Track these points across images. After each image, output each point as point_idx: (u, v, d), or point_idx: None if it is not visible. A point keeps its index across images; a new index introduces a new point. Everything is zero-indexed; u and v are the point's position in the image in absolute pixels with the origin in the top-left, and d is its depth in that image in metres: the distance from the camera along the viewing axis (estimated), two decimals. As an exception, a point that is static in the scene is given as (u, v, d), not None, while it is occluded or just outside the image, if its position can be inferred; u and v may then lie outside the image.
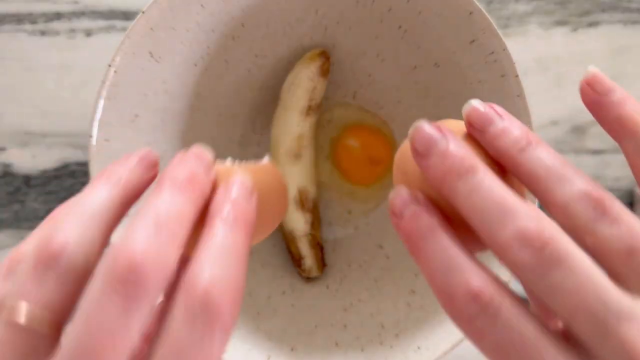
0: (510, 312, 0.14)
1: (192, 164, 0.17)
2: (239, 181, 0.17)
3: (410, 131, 0.17)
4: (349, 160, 0.40)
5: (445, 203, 0.16)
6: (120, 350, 0.13)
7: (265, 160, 0.22)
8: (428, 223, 0.16)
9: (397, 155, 0.19)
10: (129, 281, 0.13)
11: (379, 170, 0.40)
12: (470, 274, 0.14)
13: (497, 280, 0.15)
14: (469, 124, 0.17)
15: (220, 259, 0.15)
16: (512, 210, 0.14)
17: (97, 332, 0.13)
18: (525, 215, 0.14)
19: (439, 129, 0.17)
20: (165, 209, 0.15)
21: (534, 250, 0.14)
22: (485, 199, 0.15)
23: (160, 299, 0.15)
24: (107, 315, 0.13)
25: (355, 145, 0.40)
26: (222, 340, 0.14)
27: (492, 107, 0.17)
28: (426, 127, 0.17)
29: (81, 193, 0.17)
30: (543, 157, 0.16)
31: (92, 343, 0.13)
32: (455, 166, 0.16)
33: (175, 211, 0.15)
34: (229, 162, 0.20)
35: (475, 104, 0.18)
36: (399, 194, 0.17)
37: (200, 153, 0.18)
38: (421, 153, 0.16)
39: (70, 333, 0.13)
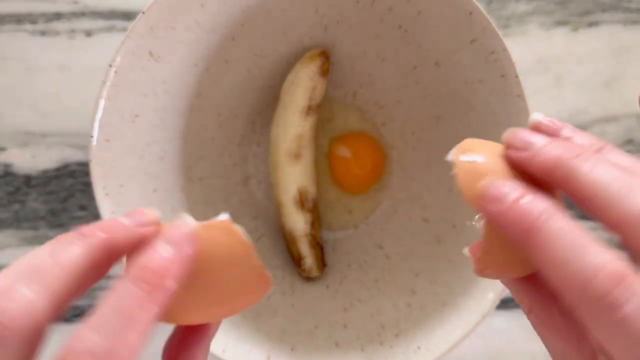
0: None
1: (119, 218, 0.17)
2: (174, 229, 0.17)
3: (505, 137, 0.17)
4: (341, 171, 0.40)
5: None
6: None
7: (223, 217, 0.18)
8: (544, 203, 0.15)
9: (462, 176, 0.17)
10: None
11: (372, 176, 0.40)
12: (610, 255, 0.13)
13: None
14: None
15: (166, 254, 0.16)
16: (637, 186, 0.14)
17: None
18: None
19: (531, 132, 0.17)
20: (52, 257, 0.15)
21: None
22: (608, 174, 0.14)
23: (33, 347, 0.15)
24: None
25: (346, 155, 0.40)
26: (159, 303, 0.15)
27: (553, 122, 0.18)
28: (522, 131, 0.17)
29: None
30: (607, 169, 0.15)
31: None
32: (568, 149, 0.15)
33: (61, 259, 0.15)
34: (189, 219, 0.17)
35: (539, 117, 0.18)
36: (497, 182, 0.16)
37: (140, 211, 0.18)
38: (523, 147, 0.16)
39: None
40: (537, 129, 0.17)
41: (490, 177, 0.16)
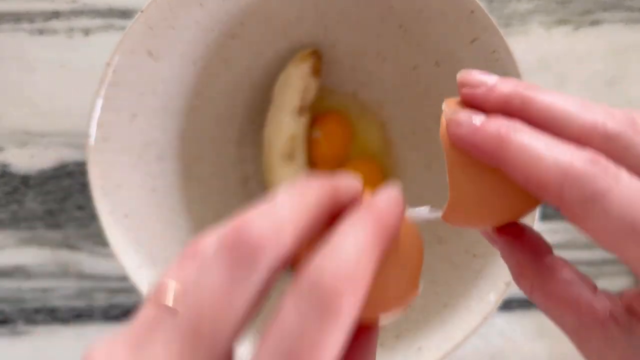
0: (629, 176, 0.13)
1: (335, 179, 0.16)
2: (387, 190, 0.16)
3: (458, 78, 0.17)
4: (314, 152, 0.40)
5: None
6: (223, 319, 0.13)
7: (422, 209, 0.18)
8: (510, 121, 0.15)
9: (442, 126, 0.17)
10: (240, 251, 0.13)
11: (343, 154, 0.40)
12: (580, 148, 0.14)
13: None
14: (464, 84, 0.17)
15: (350, 255, 0.13)
16: (591, 102, 0.15)
17: (203, 298, 0.13)
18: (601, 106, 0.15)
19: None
20: (289, 200, 0.14)
21: (629, 122, 0.14)
22: (564, 96, 0.15)
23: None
24: (212, 282, 0.13)
25: (317, 137, 0.40)
26: (337, 338, 0.12)
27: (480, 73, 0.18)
28: (473, 71, 0.17)
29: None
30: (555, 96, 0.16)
31: (197, 308, 0.13)
32: (522, 82, 0.16)
33: (298, 201, 0.14)
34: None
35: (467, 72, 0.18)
36: (461, 111, 0.16)
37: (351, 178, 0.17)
38: (477, 84, 0.17)
39: (182, 296, 0.13)
40: (464, 84, 0.17)
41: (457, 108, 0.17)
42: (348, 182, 0.17)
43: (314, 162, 0.40)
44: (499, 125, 0.15)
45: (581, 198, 0.13)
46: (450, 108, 0.17)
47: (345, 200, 0.16)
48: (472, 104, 0.17)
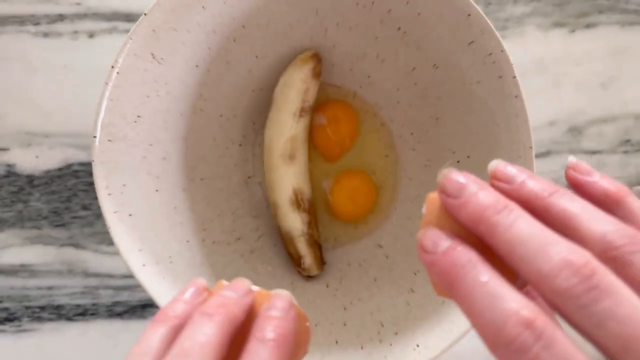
0: (564, 339, 0.14)
1: (224, 293, 0.19)
2: (278, 298, 0.19)
3: (439, 178, 0.18)
4: (318, 139, 0.40)
5: (475, 243, 0.16)
6: None
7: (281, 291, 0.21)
8: (467, 256, 0.16)
9: (426, 207, 0.19)
10: None
11: (348, 143, 0.40)
12: (520, 303, 0.14)
13: (545, 310, 0.15)
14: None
15: None
16: (555, 241, 0.15)
17: None
18: (568, 247, 0.15)
19: (467, 175, 0.17)
20: (190, 340, 0.17)
21: (582, 279, 0.14)
22: (526, 230, 0.15)
23: None
24: None
25: (323, 123, 0.40)
26: None
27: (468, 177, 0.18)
28: (455, 173, 0.17)
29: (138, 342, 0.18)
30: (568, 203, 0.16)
31: None
32: (493, 203, 0.16)
33: (201, 340, 0.17)
34: (254, 288, 0.21)
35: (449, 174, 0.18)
36: (430, 231, 0.17)
37: (237, 282, 0.20)
38: (453, 194, 0.17)
39: None
40: (495, 177, 0.18)
41: (428, 227, 0.17)
42: (239, 295, 0.20)
43: (318, 147, 0.41)
44: (455, 261, 0.16)
45: (508, 356, 0.14)
46: (423, 223, 0.18)
47: (242, 316, 0.19)
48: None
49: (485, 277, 0.15)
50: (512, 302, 0.14)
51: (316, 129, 0.40)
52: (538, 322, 0.14)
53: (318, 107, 0.40)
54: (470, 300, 0.15)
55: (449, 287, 0.16)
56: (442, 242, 0.16)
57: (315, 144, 0.41)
